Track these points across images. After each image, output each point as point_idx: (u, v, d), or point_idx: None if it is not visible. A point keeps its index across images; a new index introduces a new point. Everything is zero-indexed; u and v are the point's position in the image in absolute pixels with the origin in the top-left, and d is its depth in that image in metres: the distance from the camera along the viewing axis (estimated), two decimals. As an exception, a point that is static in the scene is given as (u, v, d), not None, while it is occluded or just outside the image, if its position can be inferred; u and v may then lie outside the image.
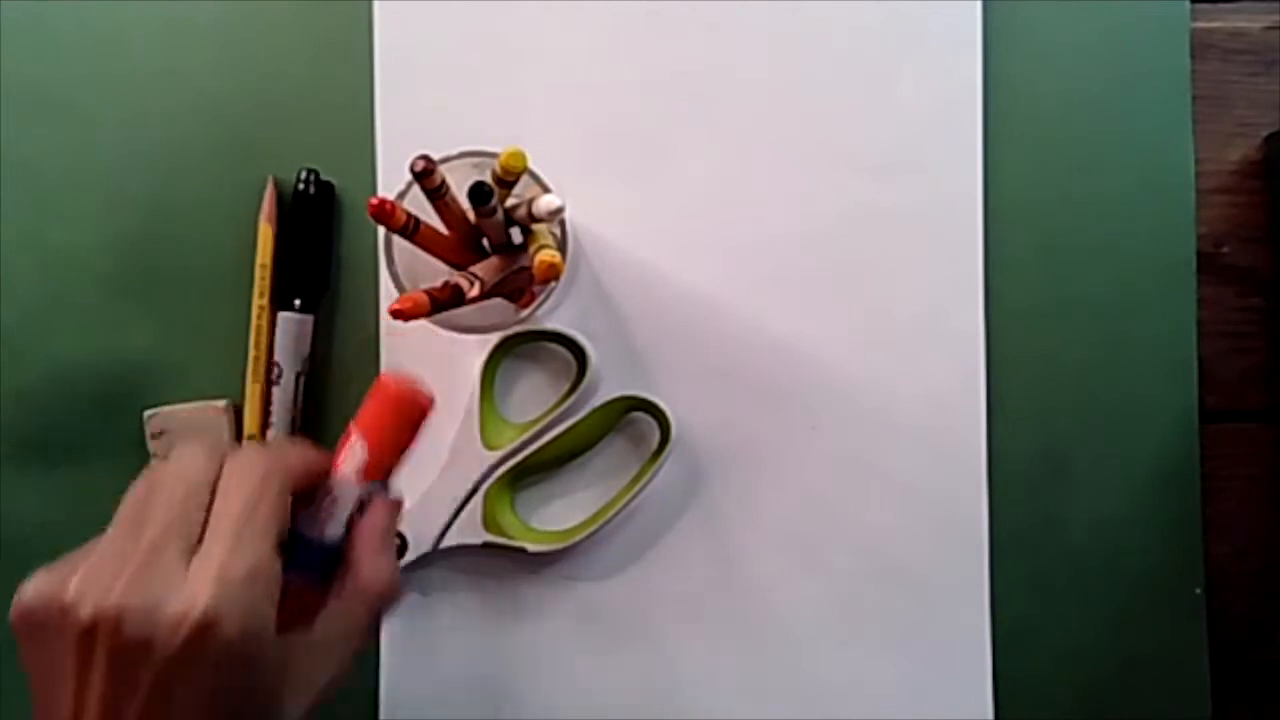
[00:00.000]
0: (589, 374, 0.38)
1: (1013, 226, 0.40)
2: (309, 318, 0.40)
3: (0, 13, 0.41)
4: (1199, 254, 0.40)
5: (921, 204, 0.39)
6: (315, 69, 0.40)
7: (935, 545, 0.39)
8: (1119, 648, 0.39)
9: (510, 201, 0.33)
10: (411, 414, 0.32)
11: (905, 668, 0.39)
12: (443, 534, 0.38)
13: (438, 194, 0.31)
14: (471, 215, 0.33)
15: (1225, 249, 0.40)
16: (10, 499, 0.40)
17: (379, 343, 0.40)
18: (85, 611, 0.26)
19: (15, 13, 0.41)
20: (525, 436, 0.38)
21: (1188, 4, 0.40)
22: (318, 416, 0.40)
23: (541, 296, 0.33)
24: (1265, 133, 0.40)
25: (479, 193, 0.30)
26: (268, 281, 0.39)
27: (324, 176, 0.40)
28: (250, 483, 0.29)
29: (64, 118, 0.41)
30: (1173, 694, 0.39)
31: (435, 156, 0.31)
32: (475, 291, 0.31)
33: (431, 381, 0.39)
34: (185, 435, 0.39)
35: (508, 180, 0.31)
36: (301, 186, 0.39)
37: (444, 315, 0.32)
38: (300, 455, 0.31)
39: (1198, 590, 0.39)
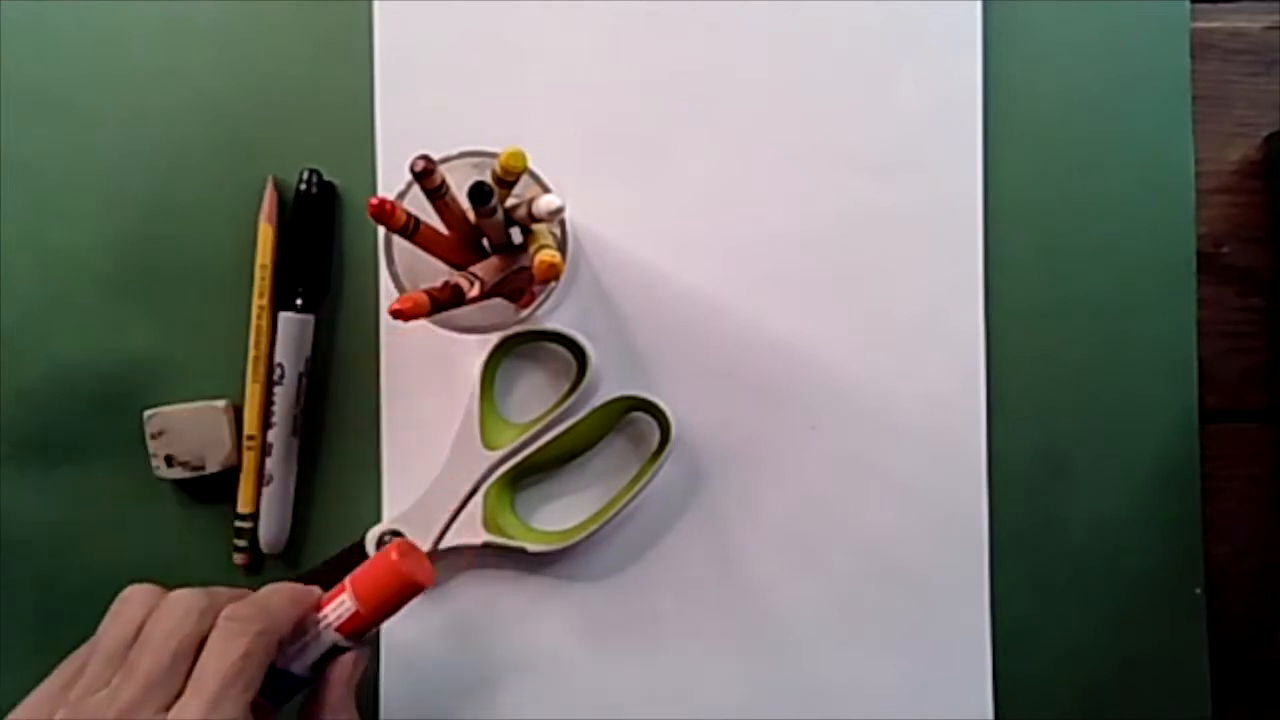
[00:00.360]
0: (589, 374, 0.38)
1: (1013, 226, 0.40)
2: (310, 318, 0.40)
3: (0, 13, 0.41)
4: (1199, 254, 0.40)
5: (921, 204, 0.39)
6: (315, 69, 0.40)
7: (935, 545, 0.39)
8: (1119, 648, 0.39)
9: (510, 201, 0.33)
10: (406, 589, 0.34)
11: (905, 668, 0.39)
12: (442, 534, 0.38)
13: (438, 194, 0.31)
14: (471, 215, 0.33)
15: (1225, 249, 0.40)
16: (10, 499, 0.40)
17: (379, 343, 0.40)
18: None
19: (15, 13, 0.41)
20: (525, 436, 0.38)
21: (1188, 4, 0.40)
22: (319, 416, 0.40)
23: (541, 296, 0.33)
24: (1265, 133, 0.40)
25: (479, 193, 0.30)
26: (268, 281, 0.39)
27: (325, 177, 0.40)
28: (239, 647, 0.30)
29: (64, 118, 0.41)
30: (1173, 694, 0.39)
31: (435, 156, 0.31)
32: (475, 291, 0.31)
33: (431, 381, 0.40)
34: (185, 436, 0.39)
35: (508, 180, 0.31)
36: (304, 187, 0.39)
37: (444, 315, 0.32)
38: (291, 614, 0.32)
39: (1198, 590, 0.39)
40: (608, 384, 0.40)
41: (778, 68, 0.40)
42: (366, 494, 0.40)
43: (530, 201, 0.31)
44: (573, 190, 0.39)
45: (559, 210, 0.31)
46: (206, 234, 0.40)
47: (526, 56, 0.40)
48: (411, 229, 0.31)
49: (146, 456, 0.39)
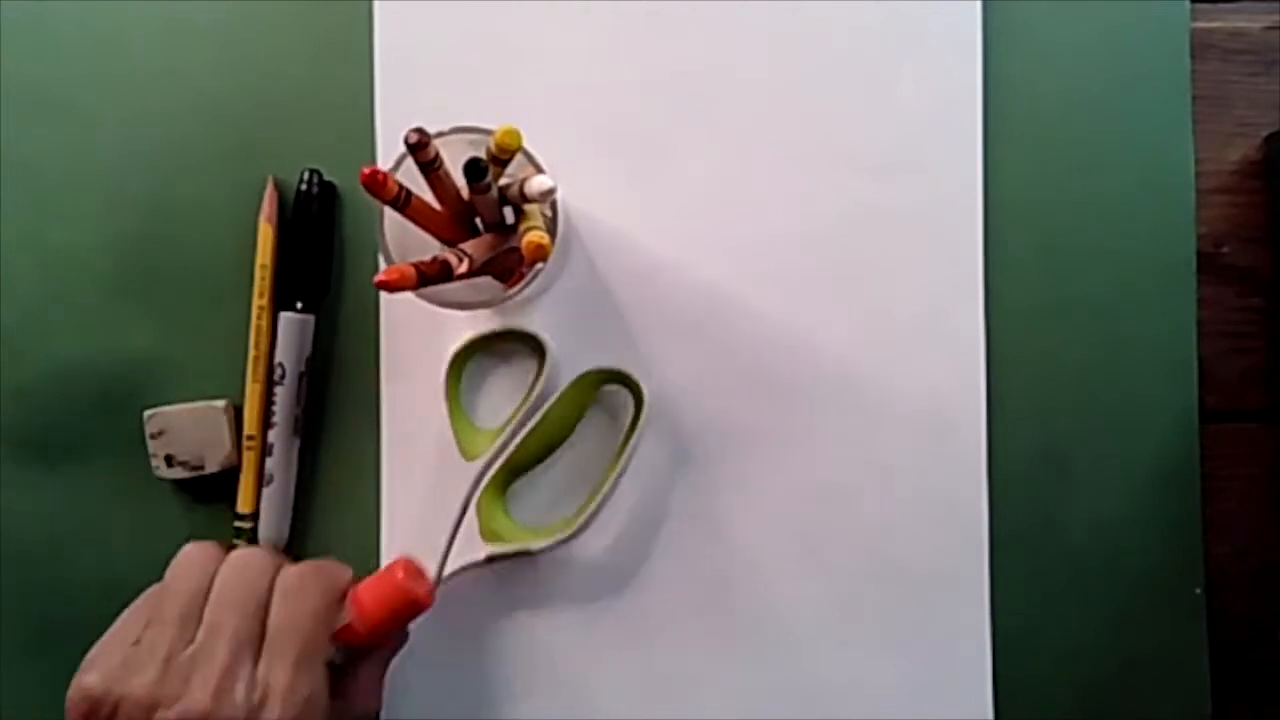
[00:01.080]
0: (548, 364, 0.38)
1: (1013, 226, 0.40)
2: (310, 318, 0.40)
3: (0, 13, 0.41)
4: (1199, 254, 0.40)
5: (921, 204, 0.39)
6: (315, 69, 0.40)
7: (935, 545, 0.39)
8: (1119, 648, 0.39)
9: (504, 181, 0.33)
10: (407, 608, 0.34)
11: (905, 668, 0.39)
12: (444, 561, 0.37)
13: (431, 168, 0.31)
14: (465, 192, 0.33)
15: (1225, 249, 0.40)
16: (10, 499, 0.40)
17: (379, 343, 0.40)
18: (170, 716, 0.28)
19: (15, 13, 0.41)
20: (501, 439, 0.38)
21: (1188, 4, 0.40)
22: (319, 416, 0.40)
23: (529, 277, 0.33)
24: (1265, 133, 0.40)
25: (474, 168, 0.30)
26: (268, 281, 0.39)
27: (325, 177, 0.40)
28: (310, 603, 0.31)
29: (64, 118, 0.41)
30: (1173, 694, 0.39)
31: (430, 131, 0.30)
32: (464, 268, 0.31)
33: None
34: (185, 436, 0.39)
35: (502, 159, 0.31)
36: (304, 187, 0.39)
37: (432, 290, 0.32)
38: (343, 580, 0.33)
39: (1198, 590, 0.39)
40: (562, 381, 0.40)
41: (778, 68, 0.40)
42: (366, 494, 0.40)
43: (523, 181, 0.31)
44: (573, 189, 0.39)
45: (550, 191, 0.31)
46: (206, 234, 0.40)
47: (527, 56, 0.40)
48: (403, 201, 0.31)
49: (146, 456, 0.39)
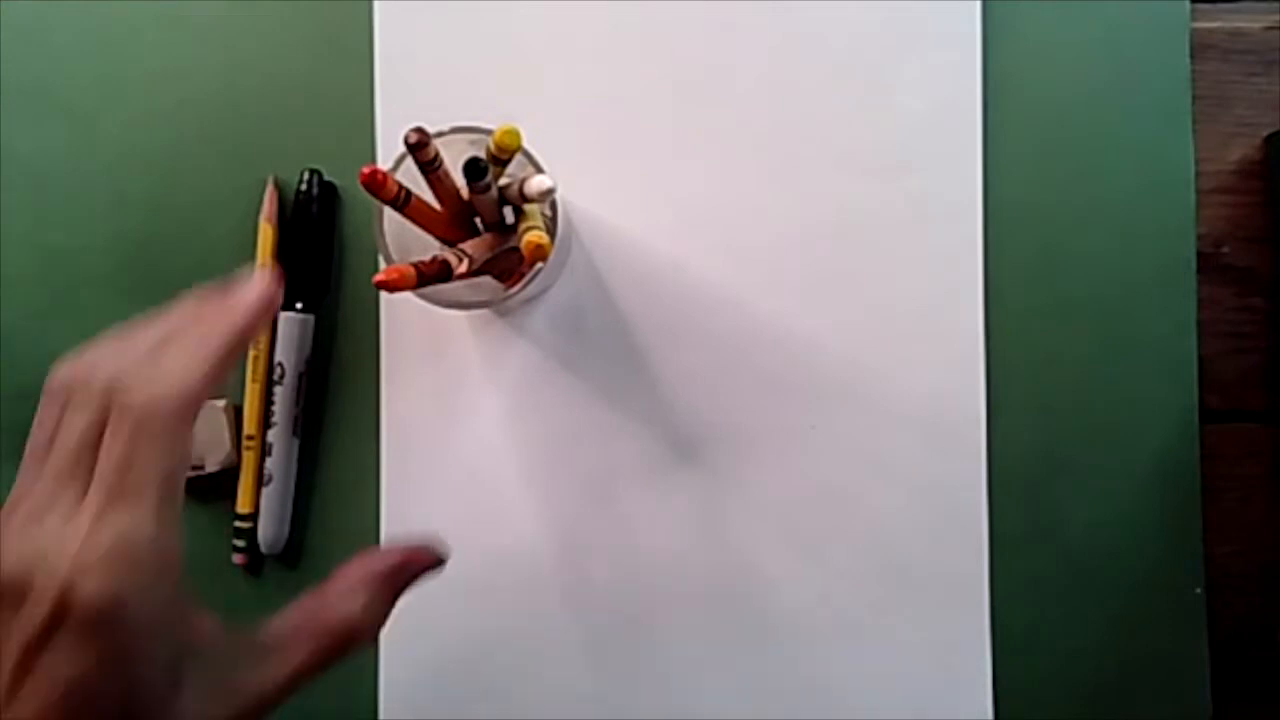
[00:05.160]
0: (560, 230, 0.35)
1: (1013, 226, 0.40)
2: (310, 318, 0.40)
3: (0, 13, 0.41)
4: (1199, 254, 0.40)
5: (921, 204, 0.39)
6: (315, 69, 0.40)
7: (935, 545, 0.39)
8: (1119, 647, 0.39)
9: (503, 180, 0.33)
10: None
11: (905, 668, 0.39)
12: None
13: (431, 167, 0.31)
14: (465, 192, 0.33)
15: (1225, 249, 0.40)
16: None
17: (379, 343, 0.40)
18: None
19: (15, 13, 0.41)
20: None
21: (1188, 4, 0.40)
22: (319, 416, 0.40)
23: (528, 277, 0.33)
24: (1265, 133, 0.40)
25: (474, 168, 0.30)
26: (268, 281, 0.39)
27: (325, 177, 0.40)
28: (127, 424, 0.24)
29: (64, 118, 0.41)
30: (1173, 694, 0.39)
31: (430, 130, 0.30)
32: (463, 268, 0.31)
33: (432, 381, 0.39)
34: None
35: (501, 158, 0.31)
36: (304, 187, 0.39)
37: (432, 291, 0.32)
38: (191, 375, 0.25)
39: (1198, 590, 0.39)
40: (605, 382, 0.40)
41: (778, 68, 0.40)
42: (366, 494, 0.40)
43: (523, 181, 0.31)
44: (573, 189, 0.39)
45: (550, 191, 0.31)
46: (207, 234, 0.40)
47: (527, 57, 0.40)
48: (402, 200, 0.31)
49: (146, 456, 0.39)
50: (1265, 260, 0.40)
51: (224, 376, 0.26)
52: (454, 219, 0.34)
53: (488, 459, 0.40)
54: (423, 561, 0.30)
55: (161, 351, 0.26)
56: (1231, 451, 0.40)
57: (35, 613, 0.23)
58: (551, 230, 0.33)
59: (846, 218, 0.40)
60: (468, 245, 0.32)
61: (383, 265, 0.32)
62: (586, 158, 0.40)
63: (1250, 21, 0.40)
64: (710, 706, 0.39)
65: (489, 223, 0.34)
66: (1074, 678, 0.39)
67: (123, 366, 0.26)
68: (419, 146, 0.30)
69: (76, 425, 0.26)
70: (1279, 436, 0.40)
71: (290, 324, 0.39)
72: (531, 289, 0.33)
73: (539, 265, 0.32)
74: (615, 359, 0.40)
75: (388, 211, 0.32)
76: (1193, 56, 0.40)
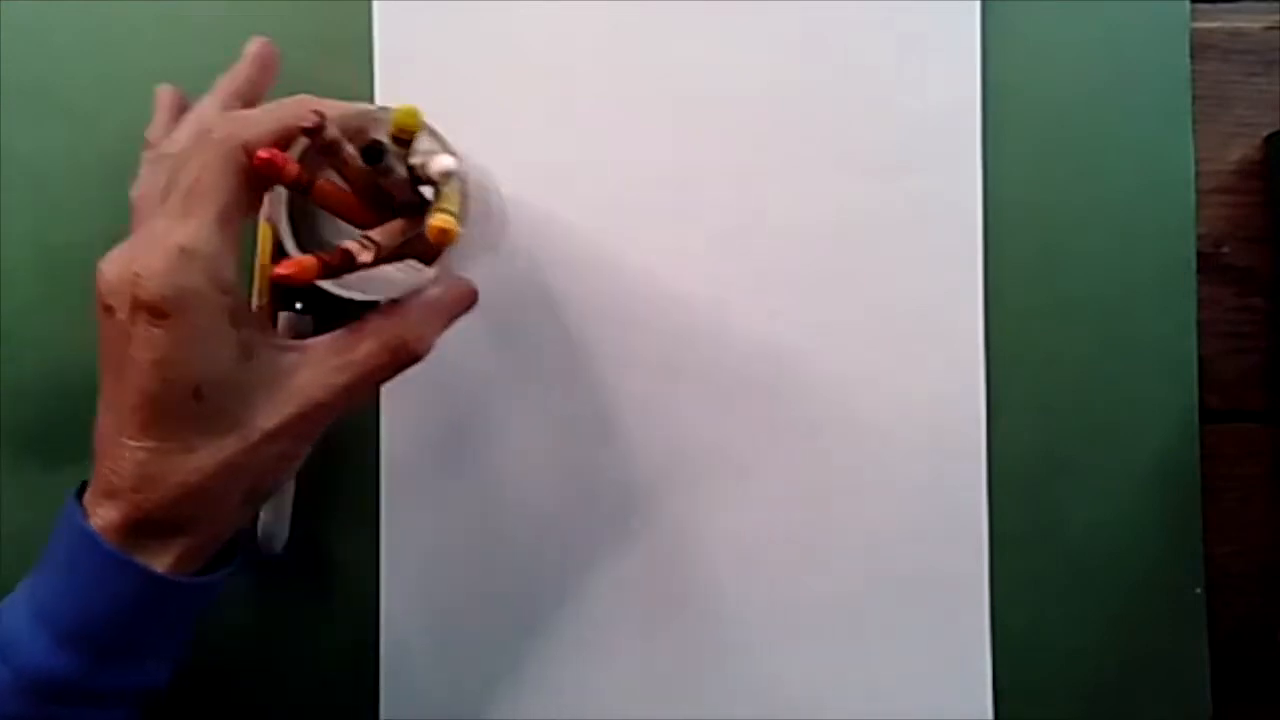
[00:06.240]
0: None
1: (1013, 227, 0.40)
2: (310, 318, 0.40)
3: (0, 13, 0.41)
4: (1199, 254, 0.40)
5: (921, 204, 0.39)
6: (315, 69, 0.40)
7: (935, 545, 0.39)
8: (1119, 648, 0.39)
9: (416, 159, 0.31)
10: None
11: (905, 668, 0.39)
12: None
13: (330, 152, 0.30)
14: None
15: (1225, 249, 0.40)
16: (10, 499, 0.40)
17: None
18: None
19: (15, 13, 0.41)
20: None
21: (1188, 4, 0.40)
22: (318, 416, 0.40)
23: (440, 261, 0.32)
24: (1265, 133, 0.40)
25: (372, 151, 0.29)
26: (268, 281, 0.39)
27: (324, 176, 0.40)
28: (206, 151, 0.29)
29: (64, 118, 0.41)
30: (1173, 694, 0.39)
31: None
32: (368, 257, 0.29)
33: (431, 381, 0.39)
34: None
35: (403, 139, 0.30)
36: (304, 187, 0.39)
37: (359, 278, 0.31)
38: (272, 124, 0.30)
39: (1198, 590, 0.39)
40: (600, 383, 0.40)
41: (777, 68, 0.40)
42: (366, 494, 0.40)
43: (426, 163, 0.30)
44: (572, 189, 0.39)
45: (450, 172, 0.30)
46: (206, 234, 0.40)
47: (527, 57, 0.40)
48: (305, 184, 0.30)
49: (146, 456, 0.39)
50: (1265, 260, 0.40)
51: (283, 142, 0.30)
52: (370, 203, 0.32)
53: (488, 456, 0.40)
54: (470, 300, 0.34)
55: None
56: (1231, 451, 0.40)
57: (123, 309, 0.29)
58: (462, 211, 0.31)
59: (846, 218, 0.40)
60: (375, 232, 0.31)
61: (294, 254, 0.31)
62: (586, 157, 0.40)
63: (1250, 21, 0.40)
64: (710, 705, 0.39)
65: (404, 203, 0.33)
66: (1074, 678, 0.39)
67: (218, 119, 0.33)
68: (314, 131, 0.29)
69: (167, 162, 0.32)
70: (1279, 436, 0.40)
71: (290, 324, 0.39)
72: (468, 265, 0.32)
73: (449, 248, 0.30)
74: (618, 359, 0.40)
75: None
76: (1193, 56, 0.40)
